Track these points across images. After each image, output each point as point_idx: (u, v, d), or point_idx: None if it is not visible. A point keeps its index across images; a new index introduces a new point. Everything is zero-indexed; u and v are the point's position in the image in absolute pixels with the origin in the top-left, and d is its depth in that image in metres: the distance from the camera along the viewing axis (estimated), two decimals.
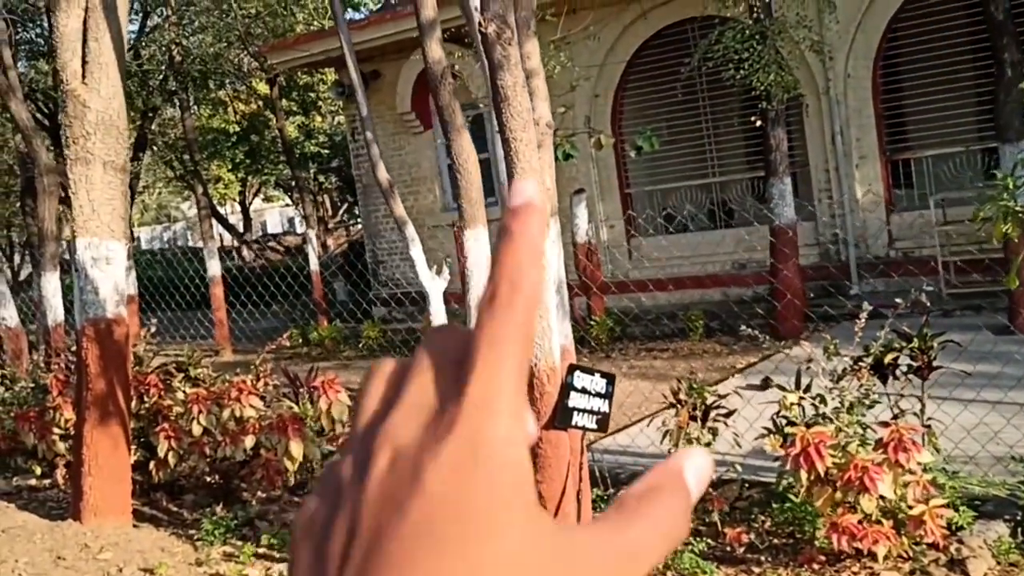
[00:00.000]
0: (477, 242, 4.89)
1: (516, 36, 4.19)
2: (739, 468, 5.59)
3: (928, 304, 5.05)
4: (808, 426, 5.02)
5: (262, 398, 6.45)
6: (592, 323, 11.27)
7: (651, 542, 0.37)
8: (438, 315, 6.45)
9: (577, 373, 4.71)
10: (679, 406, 5.60)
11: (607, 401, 4.87)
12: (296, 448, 5.80)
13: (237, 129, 26.39)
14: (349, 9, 24.09)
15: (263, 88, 24.37)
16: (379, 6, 21.58)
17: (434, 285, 6.47)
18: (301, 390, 6.26)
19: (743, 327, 6.12)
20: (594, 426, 4.70)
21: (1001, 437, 5.89)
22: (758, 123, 10.59)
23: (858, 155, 11.69)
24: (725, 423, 5.62)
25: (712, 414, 5.72)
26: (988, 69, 10.71)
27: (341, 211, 28.14)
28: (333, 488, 0.39)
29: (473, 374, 0.37)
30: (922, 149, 12.14)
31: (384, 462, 0.37)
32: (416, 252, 6.45)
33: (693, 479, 0.40)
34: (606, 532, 0.37)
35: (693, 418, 5.69)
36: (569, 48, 11.78)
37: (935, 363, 5.24)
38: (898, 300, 5.07)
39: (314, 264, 14.27)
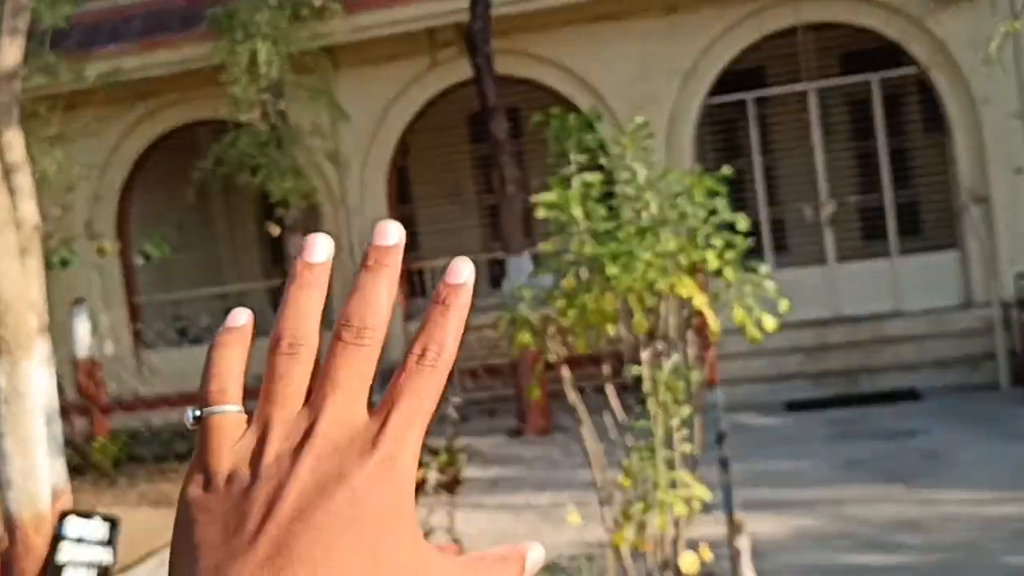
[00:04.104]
0: None
1: None
2: None
3: (458, 417, 4.95)
4: None
5: None
6: (95, 447, 10.17)
7: None
8: None
9: (71, 520, 3.99)
10: None
11: (110, 549, 4.18)
12: None
13: None
14: None
15: None
16: None
17: None
18: None
19: None
20: None
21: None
22: (276, 231, 10.30)
23: None
24: None
25: None
26: (491, 184, 11.34)
27: None
28: (246, 460, 0.46)
29: (396, 412, 0.46)
30: (435, 259, 12.54)
31: (312, 458, 0.45)
32: None
33: (530, 563, 0.48)
34: (462, 570, 0.46)
35: None
36: (67, 146, 10.81)
37: (462, 475, 5.13)
38: None
39: None
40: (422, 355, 0.47)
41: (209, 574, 0.43)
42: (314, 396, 0.47)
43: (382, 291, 0.48)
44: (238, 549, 0.43)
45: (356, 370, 0.47)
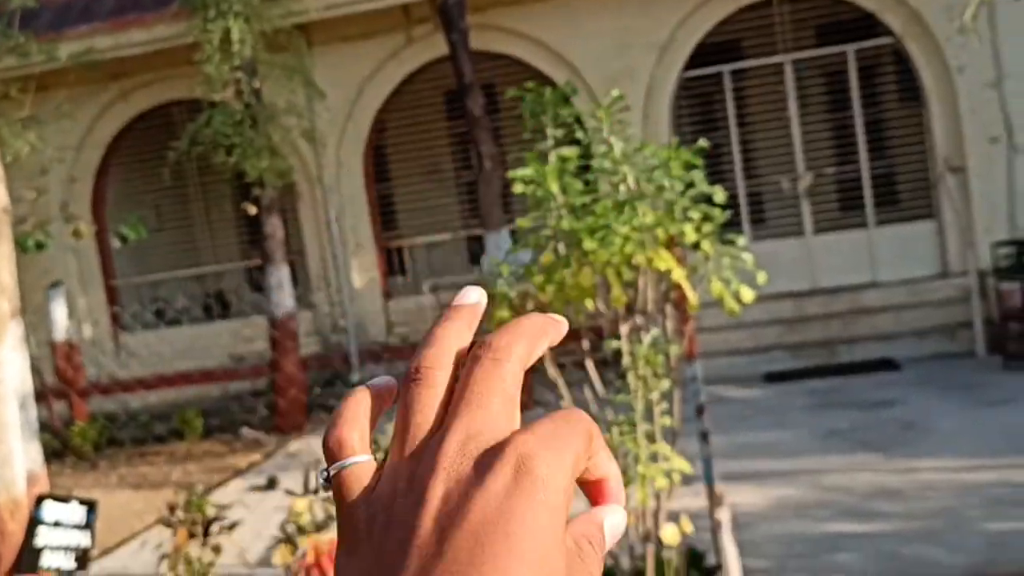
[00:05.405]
0: None
1: None
2: None
3: None
4: (319, 529, 4.67)
5: None
6: (74, 431, 10.12)
7: None
8: None
9: (48, 504, 3.97)
10: (176, 524, 4.98)
11: (88, 532, 4.16)
12: None
13: None
14: None
15: None
16: None
17: None
18: None
19: (244, 429, 5.67)
20: (72, 565, 3.98)
21: None
22: (252, 210, 10.24)
23: (354, 242, 11.74)
24: (229, 536, 5.11)
25: (214, 528, 5.18)
26: (469, 161, 11.30)
27: None
28: (383, 506, 0.43)
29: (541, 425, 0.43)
30: (414, 236, 12.50)
31: (439, 486, 0.42)
32: None
33: (609, 533, 0.46)
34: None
35: (193, 535, 5.10)
36: (40, 127, 10.68)
37: None
38: None
39: None
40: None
41: None
42: (448, 414, 0.45)
43: (536, 324, 0.48)
44: None
45: (492, 385, 0.45)
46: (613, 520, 0.46)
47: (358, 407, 0.47)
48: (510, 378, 0.45)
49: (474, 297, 0.50)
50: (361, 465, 0.45)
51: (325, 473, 0.46)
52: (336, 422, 0.47)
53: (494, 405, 0.44)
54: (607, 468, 0.47)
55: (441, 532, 0.41)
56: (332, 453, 0.46)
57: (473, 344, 0.48)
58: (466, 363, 0.46)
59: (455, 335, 0.48)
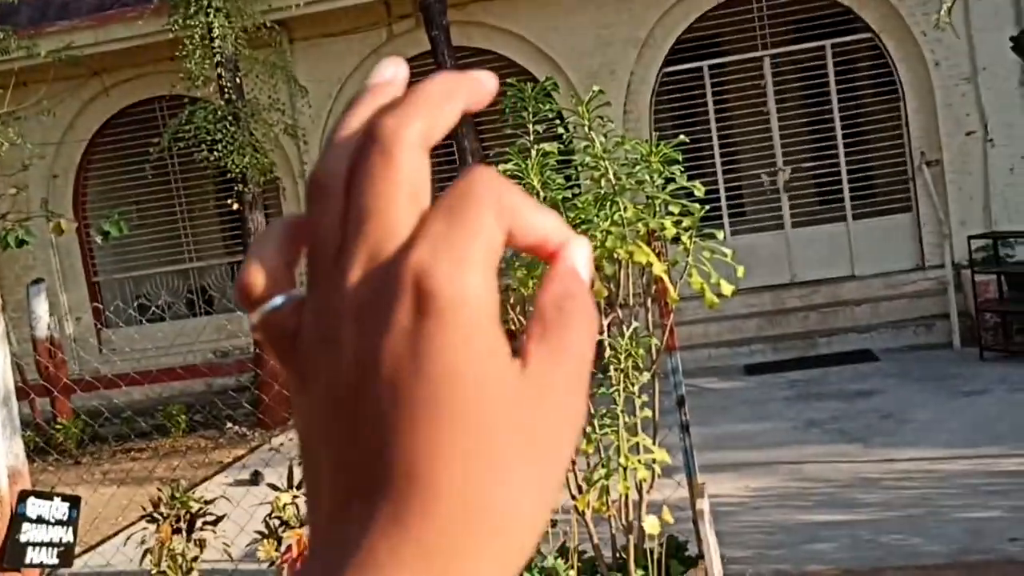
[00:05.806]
0: None
1: None
2: None
3: None
4: (303, 524, 4.70)
5: None
6: (57, 428, 10.11)
7: (585, 363, 0.37)
8: None
9: (31, 500, 3.99)
10: (160, 520, 5.01)
11: (70, 528, 4.18)
12: None
13: None
14: None
15: None
16: None
17: None
18: None
19: (228, 425, 5.70)
20: (55, 561, 4.01)
21: None
22: (235, 206, 10.24)
23: None
24: (213, 532, 5.14)
25: (198, 523, 5.21)
26: (451, 156, 11.33)
27: None
28: (316, 349, 0.37)
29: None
30: None
31: (351, 335, 0.35)
32: None
33: (584, 271, 0.38)
34: (552, 366, 0.36)
35: (177, 531, 5.13)
36: (20, 124, 10.65)
37: None
38: None
39: None
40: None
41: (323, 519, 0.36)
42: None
43: (435, 88, 0.39)
44: (355, 473, 0.35)
45: (386, 186, 0.36)
46: (578, 255, 0.39)
47: (266, 242, 0.39)
48: (407, 170, 0.36)
49: (388, 72, 0.40)
50: (278, 309, 0.38)
51: (249, 322, 0.39)
52: (242, 268, 0.39)
53: (393, 211, 0.36)
54: (541, 223, 0.38)
55: (358, 387, 0.35)
56: (242, 303, 0.39)
57: None
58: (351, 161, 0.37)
59: (367, 112, 0.39)
